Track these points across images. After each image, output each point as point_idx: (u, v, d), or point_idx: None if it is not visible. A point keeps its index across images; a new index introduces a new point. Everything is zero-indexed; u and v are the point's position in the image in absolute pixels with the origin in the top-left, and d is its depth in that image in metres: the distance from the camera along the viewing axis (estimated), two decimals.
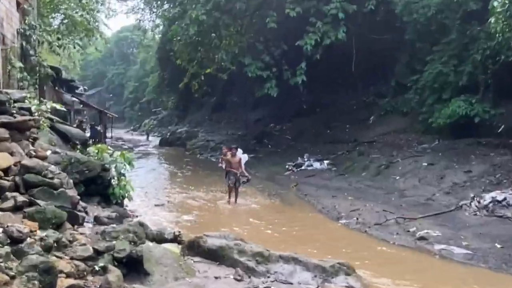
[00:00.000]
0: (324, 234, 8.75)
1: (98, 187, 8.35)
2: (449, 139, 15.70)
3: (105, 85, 79.74)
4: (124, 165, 9.02)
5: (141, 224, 6.93)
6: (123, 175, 8.92)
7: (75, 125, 33.00)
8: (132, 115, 67.23)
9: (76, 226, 6.02)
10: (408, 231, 8.52)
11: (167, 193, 13.15)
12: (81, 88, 48.38)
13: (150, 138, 42.35)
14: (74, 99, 29.34)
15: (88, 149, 9.24)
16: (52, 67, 26.78)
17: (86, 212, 7.14)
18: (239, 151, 12.61)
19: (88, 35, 22.42)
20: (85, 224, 6.28)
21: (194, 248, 6.61)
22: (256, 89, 25.91)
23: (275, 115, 30.19)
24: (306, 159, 18.25)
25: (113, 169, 8.70)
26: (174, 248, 6.86)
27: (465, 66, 15.59)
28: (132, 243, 5.60)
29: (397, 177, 13.62)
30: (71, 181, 7.54)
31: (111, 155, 8.91)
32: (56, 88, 29.43)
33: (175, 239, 7.10)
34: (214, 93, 41.36)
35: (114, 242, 5.55)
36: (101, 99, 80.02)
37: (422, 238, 7.94)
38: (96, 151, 8.78)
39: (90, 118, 48.22)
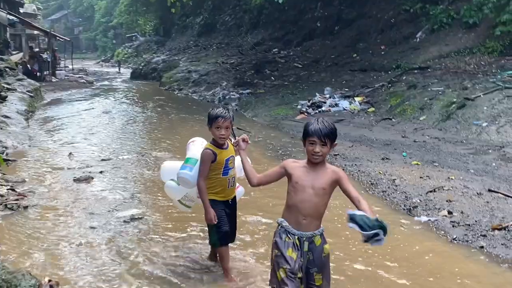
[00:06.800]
0: (392, 255, 4.57)
1: None
2: None
3: (72, 7, 73.07)
4: None
5: None
6: None
7: (23, 57, 28.11)
8: (106, 44, 61.79)
9: None
10: None
11: (107, 154, 8.89)
12: (33, 7, 42.63)
13: (122, 70, 37.80)
14: (10, 16, 24.21)
15: None
16: None
17: None
18: (198, 140, 4.09)
19: None
20: None
21: None
22: None
23: (280, 37, 25.35)
24: (328, 96, 13.84)
25: None
26: None
27: None
28: None
29: (484, 123, 9.31)
30: None
31: None
32: None
33: None
34: (201, 11, 36.03)
35: None
36: (69, 24, 73.81)
37: None
38: None
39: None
